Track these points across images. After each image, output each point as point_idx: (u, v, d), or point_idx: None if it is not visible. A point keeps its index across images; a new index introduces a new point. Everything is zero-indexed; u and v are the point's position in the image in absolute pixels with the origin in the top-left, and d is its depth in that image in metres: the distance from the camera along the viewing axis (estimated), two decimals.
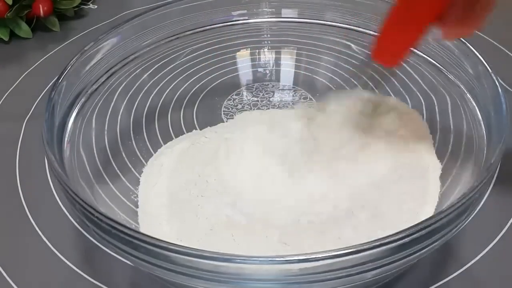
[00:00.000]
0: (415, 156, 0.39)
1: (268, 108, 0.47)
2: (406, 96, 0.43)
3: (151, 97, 0.44)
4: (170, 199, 0.38)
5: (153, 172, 0.40)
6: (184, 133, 0.44)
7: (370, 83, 0.41)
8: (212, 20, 0.46)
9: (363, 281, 0.28)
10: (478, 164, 0.33)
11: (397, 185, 0.37)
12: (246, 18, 0.46)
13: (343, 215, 0.35)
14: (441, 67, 0.40)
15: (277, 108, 0.47)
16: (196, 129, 0.45)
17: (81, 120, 0.38)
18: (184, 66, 0.46)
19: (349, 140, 0.40)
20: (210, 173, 0.39)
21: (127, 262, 0.36)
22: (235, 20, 0.46)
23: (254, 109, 0.47)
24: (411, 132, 0.40)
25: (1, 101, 0.52)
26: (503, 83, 0.41)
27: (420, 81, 0.42)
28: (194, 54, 0.46)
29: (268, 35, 0.48)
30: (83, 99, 0.38)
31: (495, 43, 0.54)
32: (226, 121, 0.46)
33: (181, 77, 0.46)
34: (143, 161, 0.41)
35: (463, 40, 0.38)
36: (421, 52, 0.41)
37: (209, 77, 0.47)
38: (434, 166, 0.38)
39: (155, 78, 0.45)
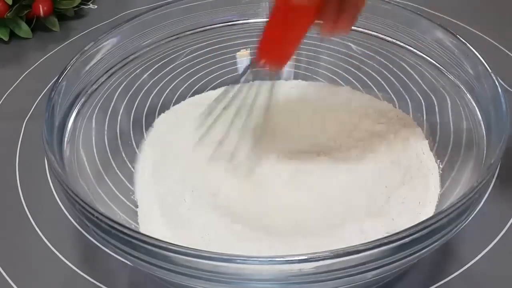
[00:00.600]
0: (415, 157, 0.39)
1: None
2: (406, 96, 0.43)
3: (151, 97, 0.44)
4: (165, 199, 0.38)
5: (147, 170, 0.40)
6: None
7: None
8: (212, 20, 0.46)
9: (364, 281, 0.28)
10: (478, 164, 0.33)
11: (397, 186, 0.37)
12: (246, 18, 0.46)
13: (343, 216, 0.35)
14: (441, 67, 0.40)
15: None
16: None
17: (81, 120, 0.38)
18: (184, 66, 0.46)
19: (346, 142, 0.40)
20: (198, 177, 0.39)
21: (126, 262, 0.36)
22: (235, 20, 0.46)
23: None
24: (407, 134, 0.41)
25: (1, 101, 0.52)
26: (503, 83, 0.41)
27: (420, 81, 0.42)
28: (194, 54, 0.46)
29: None
30: (83, 99, 0.38)
31: (495, 43, 0.54)
32: None
33: (181, 77, 0.46)
34: None
35: (463, 40, 0.38)
36: (421, 52, 0.42)
37: (209, 77, 0.47)
38: (434, 166, 0.38)
39: (155, 78, 0.45)
